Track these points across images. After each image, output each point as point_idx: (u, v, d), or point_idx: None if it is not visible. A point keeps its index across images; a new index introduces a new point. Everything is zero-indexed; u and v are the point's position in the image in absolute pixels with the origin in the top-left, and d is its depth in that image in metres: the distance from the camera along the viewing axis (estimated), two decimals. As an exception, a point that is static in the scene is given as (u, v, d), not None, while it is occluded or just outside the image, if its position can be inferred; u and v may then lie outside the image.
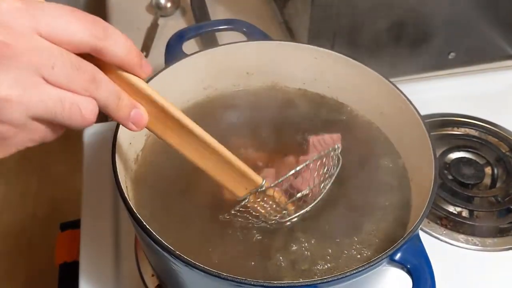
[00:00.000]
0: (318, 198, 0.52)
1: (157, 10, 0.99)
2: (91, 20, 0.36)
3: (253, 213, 0.50)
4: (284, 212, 0.50)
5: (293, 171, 0.48)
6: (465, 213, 0.69)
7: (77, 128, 0.38)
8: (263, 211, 0.50)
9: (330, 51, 0.62)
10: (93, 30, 0.36)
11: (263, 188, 0.48)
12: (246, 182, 0.48)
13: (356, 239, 0.51)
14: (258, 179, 0.48)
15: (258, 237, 0.51)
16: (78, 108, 0.36)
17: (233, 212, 0.49)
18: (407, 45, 0.81)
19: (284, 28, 0.93)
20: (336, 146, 0.53)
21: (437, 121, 0.79)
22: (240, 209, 0.49)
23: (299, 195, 0.51)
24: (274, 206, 0.50)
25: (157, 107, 0.43)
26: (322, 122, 0.62)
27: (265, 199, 0.49)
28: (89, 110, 0.37)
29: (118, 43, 0.38)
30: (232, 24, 0.70)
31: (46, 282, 1.34)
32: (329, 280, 0.42)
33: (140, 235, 0.46)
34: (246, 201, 0.49)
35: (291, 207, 0.51)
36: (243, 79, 0.66)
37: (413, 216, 0.51)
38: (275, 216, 0.50)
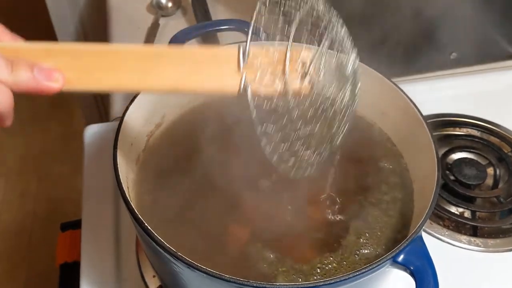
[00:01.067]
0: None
1: (158, 9, 0.99)
2: None
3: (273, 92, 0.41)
4: (300, 67, 0.43)
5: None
6: (467, 214, 0.69)
7: None
8: (277, 76, 0.42)
9: (330, 50, 0.61)
10: None
11: (247, 49, 0.41)
12: (229, 65, 0.40)
13: (356, 239, 0.51)
14: (234, 49, 0.41)
15: (258, 237, 0.51)
16: None
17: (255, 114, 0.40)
18: (409, 45, 0.81)
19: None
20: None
21: (439, 121, 0.79)
22: (256, 100, 0.41)
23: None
24: (278, 65, 0.42)
25: (62, 55, 0.36)
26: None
27: (263, 65, 0.41)
28: None
29: None
30: (233, 24, 0.70)
31: (46, 282, 1.33)
32: (331, 282, 0.41)
33: (142, 236, 0.46)
34: (248, 84, 0.40)
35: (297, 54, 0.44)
36: (244, 79, 0.65)
37: (416, 217, 0.51)
38: (296, 76, 0.43)
